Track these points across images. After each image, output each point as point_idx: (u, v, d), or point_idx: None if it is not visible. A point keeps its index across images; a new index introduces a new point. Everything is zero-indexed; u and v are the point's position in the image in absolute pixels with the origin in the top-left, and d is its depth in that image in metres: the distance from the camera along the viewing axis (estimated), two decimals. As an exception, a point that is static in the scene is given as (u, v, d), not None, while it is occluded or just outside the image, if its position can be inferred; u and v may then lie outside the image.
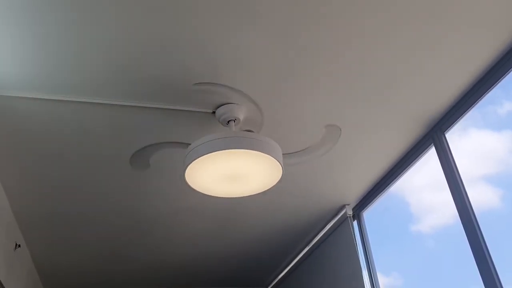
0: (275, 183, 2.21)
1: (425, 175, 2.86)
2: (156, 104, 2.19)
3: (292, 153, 2.28)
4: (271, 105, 2.28)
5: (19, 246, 3.18)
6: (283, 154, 2.13)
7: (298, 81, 2.16)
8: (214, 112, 2.26)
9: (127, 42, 1.86)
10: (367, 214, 3.27)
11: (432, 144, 2.55)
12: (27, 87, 2.03)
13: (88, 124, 2.30)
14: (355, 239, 3.20)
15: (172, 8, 1.73)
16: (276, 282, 4.52)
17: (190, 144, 2.06)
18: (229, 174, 2.12)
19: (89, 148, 2.47)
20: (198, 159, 1.98)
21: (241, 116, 2.25)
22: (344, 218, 3.33)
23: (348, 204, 3.31)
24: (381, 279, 3.02)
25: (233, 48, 1.94)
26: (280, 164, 2.06)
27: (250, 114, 2.27)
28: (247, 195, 2.26)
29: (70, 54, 1.89)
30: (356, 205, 3.30)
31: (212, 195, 2.24)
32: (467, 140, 2.56)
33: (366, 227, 3.24)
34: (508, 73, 2.11)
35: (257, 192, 2.25)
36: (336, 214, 3.42)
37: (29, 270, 3.65)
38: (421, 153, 2.67)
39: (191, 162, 2.00)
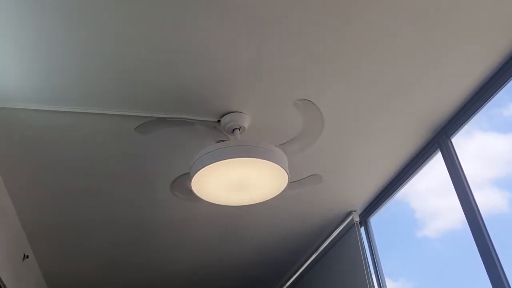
0: (281, 191, 2.21)
1: (432, 180, 2.85)
2: (160, 114, 2.20)
3: (282, 143, 2.24)
4: (275, 112, 2.29)
5: (27, 256, 3.19)
6: (280, 145, 2.12)
7: (304, 88, 2.16)
8: (219, 121, 2.26)
9: (130, 52, 1.87)
10: (374, 220, 3.26)
11: (438, 149, 2.55)
12: (31, 99, 2.04)
13: (93, 135, 2.32)
14: (363, 245, 3.19)
15: (177, 18, 1.74)
16: (284, 289, 4.50)
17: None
18: (235, 182, 2.12)
19: (94, 158, 2.48)
20: (205, 168, 1.99)
21: (246, 124, 2.25)
22: (351, 225, 3.33)
23: (355, 211, 3.31)
24: (389, 285, 3.01)
25: (237, 57, 1.95)
26: (286, 171, 2.06)
27: (252, 122, 2.28)
28: (254, 203, 2.26)
29: (73, 66, 1.90)
30: (363, 211, 3.30)
31: (218, 203, 2.24)
32: (473, 144, 2.56)
33: (373, 233, 3.22)
34: (513, 77, 2.11)
35: (263, 200, 2.25)
36: (343, 221, 3.41)
37: (37, 281, 3.65)
38: (428, 158, 2.66)
39: (197, 171, 2.01)
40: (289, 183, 2.16)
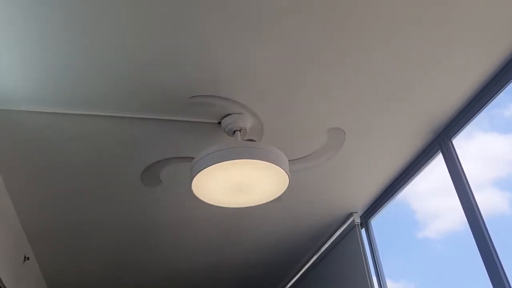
0: (281, 193, 2.21)
1: (432, 181, 2.85)
2: (161, 116, 2.20)
3: (296, 159, 2.28)
4: (277, 114, 2.29)
5: (28, 258, 3.19)
6: (288, 160, 2.13)
7: (305, 90, 2.16)
8: (219, 123, 2.26)
9: (131, 55, 1.88)
10: (375, 221, 3.26)
11: (439, 150, 2.54)
12: (32, 101, 2.05)
13: (93, 136, 2.32)
14: (363, 247, 3.19)
15: (178, 20, 1.74)
16: (285, 291, 4.50)
17: (194, 157, 2.06)
18: (236, 184, 2.12)
19: (94, 159, 2.48)
20: (205, 169, 1.98)
21: (246, 126, 2.25)
22: (352, 226, 3.33)
23: (356, 212, 3.31)
24: (390, 286, 3.00)
25: (238, 58, 1.95)
26: (287, 173, 2.06)
27: (253, 123, 2.28)
28: (254, 205, 2.26)
29: (73, 67, 1.90)
30: (364, 212, 3.29)
31: (219, 205, 2.24)
32: (474, 145, 2.55)
33: (374, 234, 3.22)
34: (514, 78, 2.11)
35: (264, 202, 2.25)
36: (344, 222, 3.41)
37: (37, 282, 3.65)
38: (429, 159, 2.66)
39: (197, 173, 2.01)
40: (313, 153, 2.26)
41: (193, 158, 2.08)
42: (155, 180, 2.41)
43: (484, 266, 2.19)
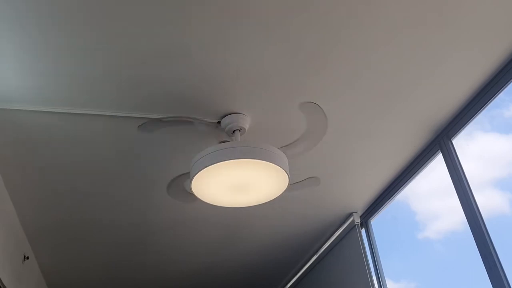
0: (281, 192, 2.21)
1: (433, 181, 2.84)
2: (160, 115, 2.20)
3: (285, 145, 2.24)
4: (276, 114, 2.29)
5: (28, 258, 3.19)
6: (281, 147, 2.12)
7: (305, 91, 2.16)
8: (219, 122, 2.26)
9: (130, 54, 1.87)
10: (375, 221, 3.26)
11: (439, 150, 2.54)
12: (32, 100, 2.05)
13: (93, 136, 2.32)
14: (363, 247, 3.19)
15: (177, 19, 1.74)
16: (285, 291, 4.50)
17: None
18: (235, 184, 2.12)
19: (94, 159, 2.48)
20: (205, 169, 1.98)
21: (246, 125, 2.25)
22: (352, 226, 3.32)
23: (355, 212, 3.30)
24: (390, 286, 3.00)
25: (240, 57, 1.95)
26: (287, 173, 2.06)
27: (252, 123, 2.28)
28: (254, 204, 2.26)
29: (73, 67, 1.90)
30: (364, 212, 3.29)
31: (219, 205, 2.24)
32: (474, 145, 2.55)
33: (374, 234, 3.22)
34: (514, 78, 2.10)
35: (264, 202, 2.25)
36: (343, 222, 3.41)
37: (37, 282, 3.65)
38: (428, 159, 2.66)
39: (197, 173, 2.00)
40: (288, 185, 2.15)
41: (189, 119, 2.06)
42: (183, 191, 2.38)
43: (484, 266, 2.19)
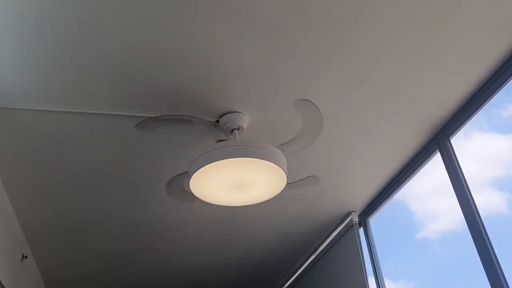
0: (280, 191, 2.21)
1: (431, 180, 2.84)
2: (160, 114, 2.20)
3: (283, 144, 2.24)
4: (275, 113, 2.29)
5: (26, 257, 3.19)
6: (279, 145, 2.12)
7: (303, 89, 2.16)
8: (217, 121, 2.26)
9: (129, 53, 1.87)
10: (373, 220, 3.26)
11: (438, 149, 2.54)
12: (31, 99, 2.04)
13: (92, 135, 2.31)
14: (362, 246, 3.19)
15: (176, 18, 1.74)
16: (283, 290, 4.50)
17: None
18: (234, 183, 2.12)
19: (93, 158, 2.48)
20: (203, 168, 1.98)
21: (245, 124, 2.25)
22: (350, 225, 3.32)
23: (354, 211, 3.31)
24: (389, 286, 3.00)
25: (238, 56, 1.95)
26: (285, 172, 2.06)
27: (250, 122, 2.28)
28: (252, 203, 2.26)
29: (72, 66, 1.90)
30: (362, 211, 3.29)
31: (217, 204, 2.24)
32: (472, 144, 2.56)
33: (373, 233, 3.22)
34: (512, 78, 2.11)
35: (262, 201, 2.25)
36: (342, 221, 3.41)
37: (35, 281, 3.65)
38: (427, 159, 2.66)
39: (196, 172, 2.00)
40: (287, 184, 2.15)
41: (188, 118, 2.05)
42: (182, 191, 2.36)
43: (482, 266, 2.19)
